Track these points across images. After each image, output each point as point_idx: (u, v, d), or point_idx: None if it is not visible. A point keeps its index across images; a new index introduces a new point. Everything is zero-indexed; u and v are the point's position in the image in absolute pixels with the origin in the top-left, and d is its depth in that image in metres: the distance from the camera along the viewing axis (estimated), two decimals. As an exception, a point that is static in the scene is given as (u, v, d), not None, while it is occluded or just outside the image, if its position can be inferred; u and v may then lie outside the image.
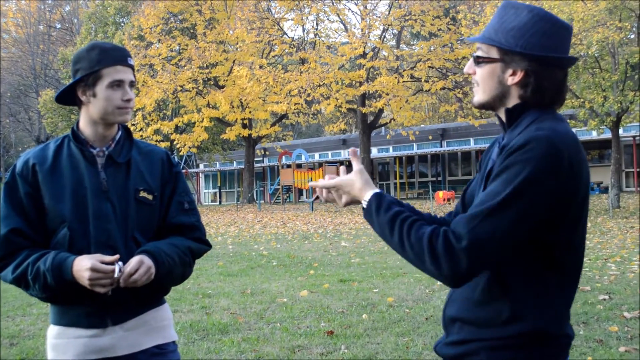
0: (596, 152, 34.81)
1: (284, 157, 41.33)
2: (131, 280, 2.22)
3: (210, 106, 31.59)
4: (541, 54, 1.80)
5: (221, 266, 11.22)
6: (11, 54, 63.14)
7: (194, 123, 31.70)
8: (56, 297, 2.32)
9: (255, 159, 40.54)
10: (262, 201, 37.84)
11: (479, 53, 1.90)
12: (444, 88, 28.57)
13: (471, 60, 1.93)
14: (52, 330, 2.41)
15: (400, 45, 35.02)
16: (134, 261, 2.25)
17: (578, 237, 1.84)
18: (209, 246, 2.63)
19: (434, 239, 1.71)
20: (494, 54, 1.86)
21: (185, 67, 30.69)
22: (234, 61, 31.61)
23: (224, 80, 31.79)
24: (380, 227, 1.85)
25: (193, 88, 31.41)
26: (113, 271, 2.19)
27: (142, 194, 2.43)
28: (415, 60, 28.62)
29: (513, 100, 1.87)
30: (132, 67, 2.44)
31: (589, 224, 16.29)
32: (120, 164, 2.43)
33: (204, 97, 31.81)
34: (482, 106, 1.94)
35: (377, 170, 42.93)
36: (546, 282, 1.80)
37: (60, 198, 2.34)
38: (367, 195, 1.89)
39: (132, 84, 2.43)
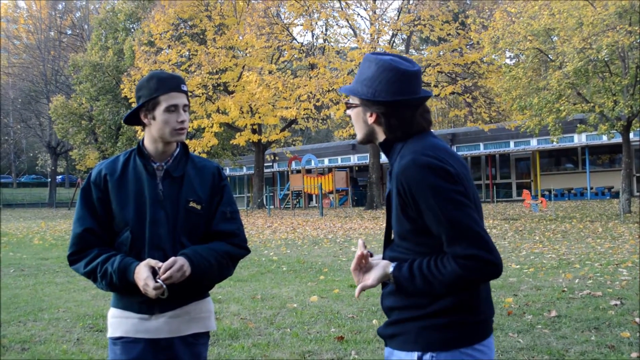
0: (607, 156, 34.63)
1: (293, 163, 41.37)
2: (165, 277, 2.57)
3: (220, 112, 31.63)
4: (387, 99, 2.22)
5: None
6: (22, 60, 63.56)
7: (204, 128, 31.70)
8: (117, 289, 2.74)
9: (265, 164, 40.58)
10: (271, 206, 37.92)
11: (349, 100, 2.36)
12: (453, 93, 28.51)
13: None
14: (111, 311, 2.84)
15: (410, 50, 35.03)
16: (168, 261, 2.61)
17: None
18: (247, 251, 2.96)
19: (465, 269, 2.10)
20: (356, 100, 2.33)
21: (195, 73, 30.79)
22: (243, 67, 31.65)
23: (234, 85, 31.82)
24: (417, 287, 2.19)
25: (203, 94, 31.45)
26: (158, 288, 2.58)
27: (192, 204, 2.80)
28: (424, 65, 28.59)
29: (381, 135, 2.33)
30: (185, 92, 2.82)
31: (600, 229, 16.26)
32: (175, 178, 2.82)
33: (213, 103, 31.83)
34: (362, 142, 2.40)
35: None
36: None
37: (125, 205, 2.75)
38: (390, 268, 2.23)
39: (185, 107, 2.81)
